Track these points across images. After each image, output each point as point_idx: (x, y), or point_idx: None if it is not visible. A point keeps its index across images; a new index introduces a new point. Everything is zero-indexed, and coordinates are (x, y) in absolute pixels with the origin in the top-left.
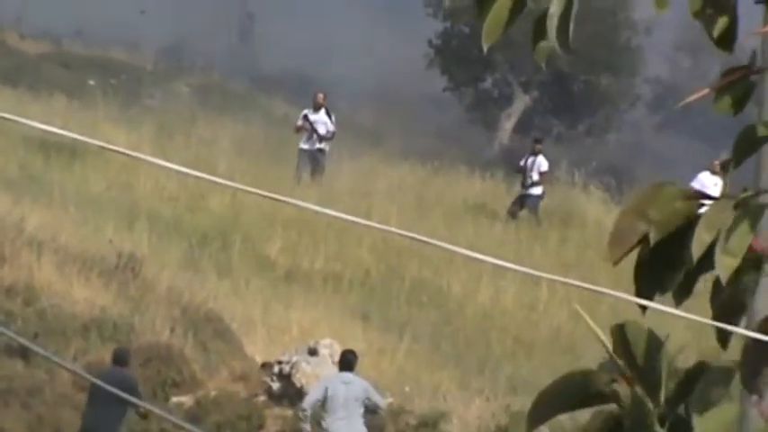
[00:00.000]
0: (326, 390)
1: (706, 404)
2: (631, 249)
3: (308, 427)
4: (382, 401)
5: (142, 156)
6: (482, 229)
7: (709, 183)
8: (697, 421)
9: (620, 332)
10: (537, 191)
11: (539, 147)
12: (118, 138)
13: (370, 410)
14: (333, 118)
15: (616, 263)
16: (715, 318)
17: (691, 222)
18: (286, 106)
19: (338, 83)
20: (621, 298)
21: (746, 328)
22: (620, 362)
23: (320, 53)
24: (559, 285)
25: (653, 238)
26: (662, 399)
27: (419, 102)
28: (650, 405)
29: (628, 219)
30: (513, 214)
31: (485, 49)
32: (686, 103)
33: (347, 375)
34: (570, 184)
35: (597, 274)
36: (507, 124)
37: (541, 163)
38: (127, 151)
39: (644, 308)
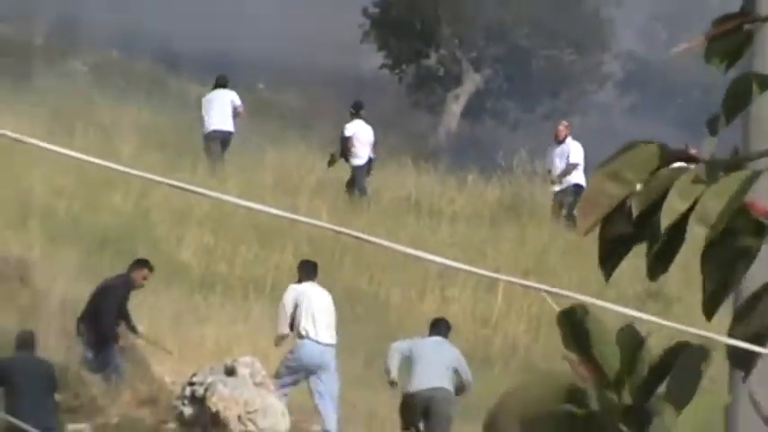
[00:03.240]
0: (410, 349)
1: (683, 391)
2: (602, 217)
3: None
4: (470, 377)
5: (34, 141)
6: (426, 228)
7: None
8: (673, 413)
9: (567, 318)
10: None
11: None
12: (4, 123)
13: (456, 387)
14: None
15: (585, 233)
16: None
17: (666, 188)
18: (198, 88)
19: (258, 59)
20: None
21: (735, 300)
22: (573, 354)
23: (235, 24)
24: (517, 294)
25: (635, 206)
26: (626, 393)
27: (353, 81)
28: (613, 399)
29: (601, 183)
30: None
31: None
32: (665, 78)
33: (437, 338)
34: (528, 176)
35: (561, 280)
36: (455, 107)
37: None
38: (15, 135)
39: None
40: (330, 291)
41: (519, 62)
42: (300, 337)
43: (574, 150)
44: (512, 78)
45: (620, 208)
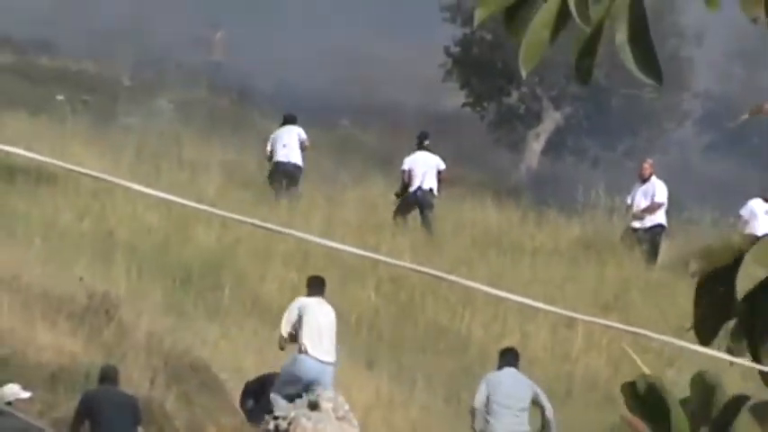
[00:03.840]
0: (486, 386)
1: None
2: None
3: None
4: (549, 405)
5: (119, 180)
6: (507, 265)
7: (760, 210)
8: None
9: (631, 389)
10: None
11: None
12: (90, 160)
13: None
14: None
15: (695, 275)
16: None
17: (738, 257)
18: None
19: (338, 97)
20: (670, 343)
21: None
22: (635, 420)
23: (313, 64)
24: (596, 330)
25: (700, 271)
26: None
27: (434, 120)
28: None
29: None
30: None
31: (524, 74)
32: (742, 120)
33: (510, 370)
34: (608, 213)
35: (639, 316)
36: (536, 145)
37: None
38: (102, 175)
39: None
40: (413, 327)
41: (598, 100)
42: (300, 351)
43: (659, 189)
44: (591, 116)
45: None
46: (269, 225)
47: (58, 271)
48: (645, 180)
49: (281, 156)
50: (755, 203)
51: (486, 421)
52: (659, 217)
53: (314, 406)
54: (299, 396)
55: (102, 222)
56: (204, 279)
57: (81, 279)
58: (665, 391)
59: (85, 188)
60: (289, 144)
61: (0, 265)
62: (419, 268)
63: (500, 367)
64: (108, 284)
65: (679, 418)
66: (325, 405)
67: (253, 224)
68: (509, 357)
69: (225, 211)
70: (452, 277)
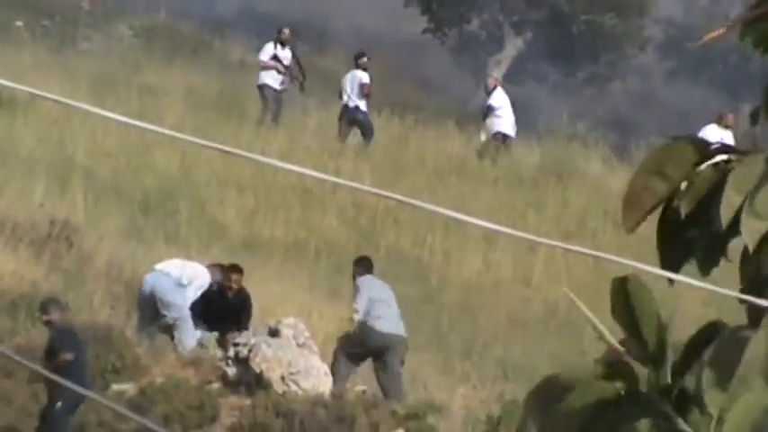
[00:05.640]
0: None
1: (721, 374)
2: (647, 213)
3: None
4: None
5: (80, 104)
6: (468, 191)
7: (715, 137)
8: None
9: (620, 287)
10: None
11: None
12: (50, 86)
13: None
14: (297, 56)
15: (631, 230)
16: (744, 291)
17: (718, 182)
18: (242, 51)
19: (301, 23)
20: (628, 269)
21: None
22: (619, 323)
23: None
24: (557, 256)
25: (684, 205)
26: (667, 370)
27: (396, 45)
28: (652, 377)
29: (643, 179)
30: None
31: None
32: (703, 43)
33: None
34: (569, 140)
35: (600, 243)
36: (497, 71)
37: None
38: (63, 99)
39: (671, 280)
40: (373, 254)
41: (560, 26)
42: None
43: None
44: (553, 42)
45: (668, 207)
46: (228, 148)
47: (17, 197)
48: (488, 93)
49: (274, 81)
50: (711, 129)
51: (374, 317)
52: (497, 125)
53: (274, 333)
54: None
55: (62, 148)
56: (162, 205)
57: (41, 205)
58: (652, 299)
59: (44, 114)
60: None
61: None
62: (381, 192)
63: (360, 274)
64: (67, 211)
65: (653, 327)
66: (286, 332)
67: (212, 148)
68: (366, 265)
69: (186, 136)
70: (415, 201)
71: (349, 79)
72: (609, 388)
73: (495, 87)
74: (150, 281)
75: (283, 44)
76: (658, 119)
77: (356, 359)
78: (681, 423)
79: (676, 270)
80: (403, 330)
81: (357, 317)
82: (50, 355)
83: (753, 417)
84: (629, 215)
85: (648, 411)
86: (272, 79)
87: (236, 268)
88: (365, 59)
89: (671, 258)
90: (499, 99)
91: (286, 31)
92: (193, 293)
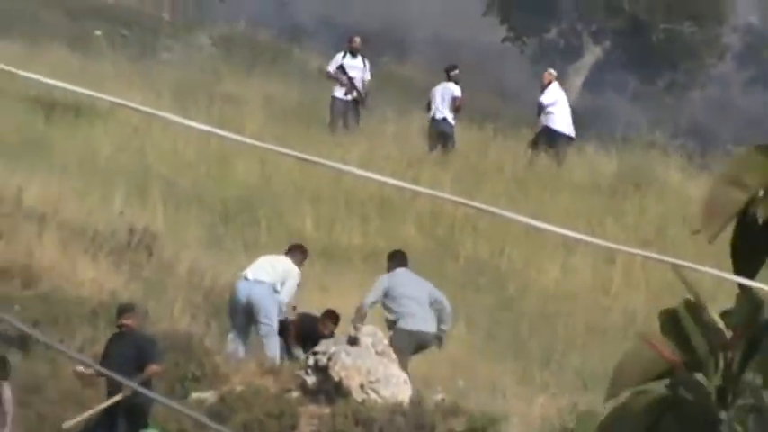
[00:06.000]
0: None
1: None
2: (728, 221)
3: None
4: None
5: (160, 113)
6: (546, 199)
7: None
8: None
9: (669, 315)
10: None
11: None
12: (130, 96)
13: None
14: (368, 65)
15: (712, 238)
16: None
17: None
18: (321, 59)
19: (381, 32)
20: (705, 276)
21: None
22: (670, 342)
23: None
24: (636, 265)
25: (762, 211)
26: (719, 377)
27: (475, 54)
28: (705, 385)
29: (722, 188)
30: None
31: None
32: None
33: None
34: (648, 148)
35: (680, 251)
36: (576, 80)
37: None
38: (143, 108)
39: (742, 287)
40: (452, 262)
41: (638, 35)
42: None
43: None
44: (631, 51)
45: (746, 215)
46: (307, 156)
47: (97, 206)
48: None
49: (339, 92)
50: None
51: (393, 311)
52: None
53: (353, 341)
54: None
55: (141, 157)
56: (242, 214)
57: (121, 214)
58: (703, 316)
59: (124, 123)
60: (351, 79)
61: (40, 199)
62: (460, 200)
63: (392, 269)
64: (147, 220)
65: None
66: (365, 340)
67: (291, 156)
68: (399, 259)
69: (265, 144)
70: (493, 209)
71: (440, 91)
72: (660, 397)
73: (549, 83)
74: (244, 289)
75: (354, 53)
76: (736, 127)
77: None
78: (726, 417)
79: (752, 277)
80: (434, 327)
81: (389, 316)
82: (137, 363)
83: None
84: (710, 223)
85: (694, 415)
86: (339, 91)
87: (332, 315)
88: (456, 72)
89: (746, 266)
90: (553, 95)
91: (357, 39)
92: (287, 294)
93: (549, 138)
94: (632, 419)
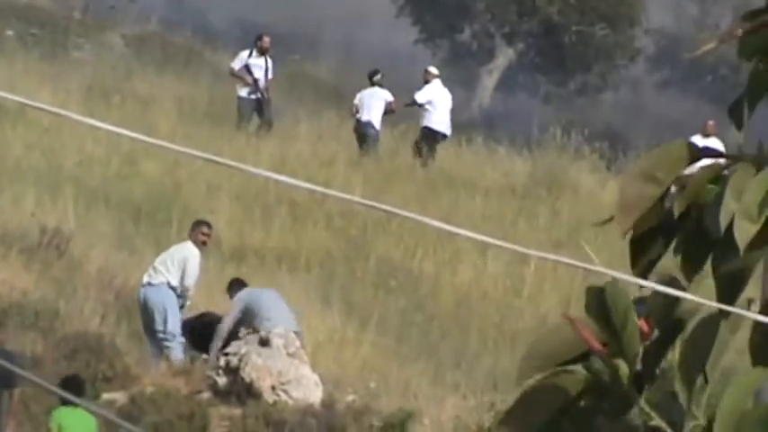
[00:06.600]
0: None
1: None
2: (641, 217)
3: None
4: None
5: (71, 114)
6: (459, 202)
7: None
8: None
9: (596, 294)
10: None
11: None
12: (41, 95)
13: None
14: (271, 66)
15: (626, 232)
16: (718, 288)
17: (710, 183)
18: (233, 60)
19: (293, 33)
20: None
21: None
22: (594, 324)
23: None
24: (548, 267)
25: (678, 206)
26: (638, 361)
27: (387, 55)
28: (624, 368)
29: (635, 183)
30: None
31: None
32: (696, 55)
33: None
34: (560, 150)
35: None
36: (488, 82)
37: None
38: (54, 109)
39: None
40: (364, 263)
41: (551, 37)
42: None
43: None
44: (544, 53)
45: (659, 210)
46: (219, 159)
47: (8, 206)
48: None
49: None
50: (695, 141)
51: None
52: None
53: (264, 342)
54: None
55: (52, 157)
56: (153, 214)
57: (32, 215)
58: (627, 300)
59: (35, 123)
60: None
61: None
62: (371, 203)
63: (234, 293)
64: (58, 220)
65: (633, 328)
66: (276, 342)
67: (203, 158)
68: (237, 284)
69: (176, 146)
70: (405, 212)
71: (368, 95)
72: (578, 379)
73: (426, 81)
74: (142, 295)
75: (262, 52)
76: (649, 130)
77: None
78: (642, 403)
79: (649, 271)
80: (295, 325)
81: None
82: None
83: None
84: (623, 218)
85: (610, 399)
86: (243, 90)
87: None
88: (379, 77)
89: (644, 259)
90: (428, 94)
91: (266, 39)
92: (191, 278)
93: (427, 137)
94: (547, 400)
